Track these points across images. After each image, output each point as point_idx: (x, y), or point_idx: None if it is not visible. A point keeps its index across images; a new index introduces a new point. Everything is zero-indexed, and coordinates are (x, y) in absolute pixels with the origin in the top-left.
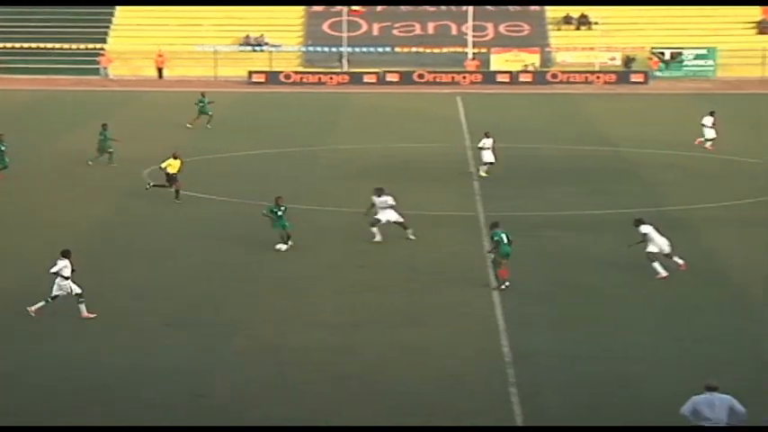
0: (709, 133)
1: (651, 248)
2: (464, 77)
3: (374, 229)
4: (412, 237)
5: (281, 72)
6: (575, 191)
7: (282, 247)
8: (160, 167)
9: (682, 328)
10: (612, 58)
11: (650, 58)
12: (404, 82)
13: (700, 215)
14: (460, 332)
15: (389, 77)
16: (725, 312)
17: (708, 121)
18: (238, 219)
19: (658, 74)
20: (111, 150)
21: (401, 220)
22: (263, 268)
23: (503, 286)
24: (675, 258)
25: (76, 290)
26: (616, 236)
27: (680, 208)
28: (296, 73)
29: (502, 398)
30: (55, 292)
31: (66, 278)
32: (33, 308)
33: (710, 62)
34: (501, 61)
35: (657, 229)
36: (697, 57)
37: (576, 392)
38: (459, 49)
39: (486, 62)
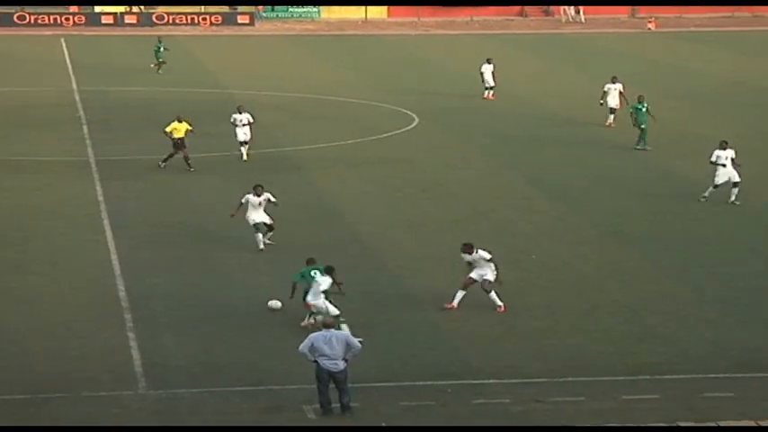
0: (490, 81)
1: None
2: (67, 19)
3: (259, 236)
4: (270, 242)
5: None
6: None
7: None
8: (165, 132)
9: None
10: None
11: None
12: (3, 24)
13: (310, 155)
14: (75, 278)
15: None
16: (340, 250)
17: (487, 69)
18: None
19: (264, 15)
20: (162, 61)
21: (270, 221)
22: None
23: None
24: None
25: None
26: (223, 177)
27: (291, 149)
28: None
29: (120, 343)
30: None
31: None
32: None
33: None
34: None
35: None
36: None
37: (192, 332)
38: None
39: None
